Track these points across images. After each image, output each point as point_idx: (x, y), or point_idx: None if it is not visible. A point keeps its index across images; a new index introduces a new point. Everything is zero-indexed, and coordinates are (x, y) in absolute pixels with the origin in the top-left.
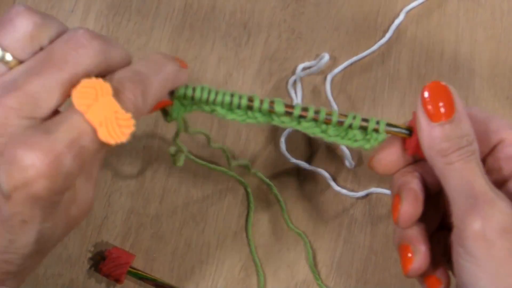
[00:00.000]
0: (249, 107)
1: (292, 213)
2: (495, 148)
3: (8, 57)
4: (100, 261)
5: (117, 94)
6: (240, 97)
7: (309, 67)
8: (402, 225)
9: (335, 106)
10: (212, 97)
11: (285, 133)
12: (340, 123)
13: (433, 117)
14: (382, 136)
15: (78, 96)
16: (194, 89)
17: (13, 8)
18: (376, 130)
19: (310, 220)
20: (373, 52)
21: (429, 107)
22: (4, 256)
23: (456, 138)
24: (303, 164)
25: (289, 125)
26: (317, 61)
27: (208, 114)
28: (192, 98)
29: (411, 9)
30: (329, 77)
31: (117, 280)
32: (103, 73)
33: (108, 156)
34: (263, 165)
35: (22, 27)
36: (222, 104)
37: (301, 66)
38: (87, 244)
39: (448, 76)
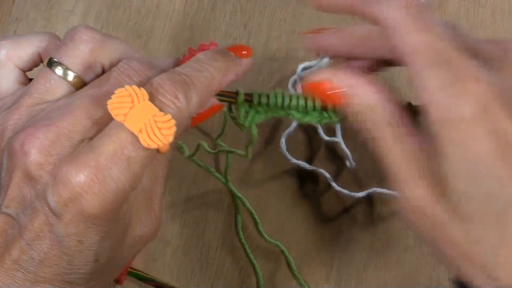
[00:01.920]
0: (324, 108)
1: (293, 214)
2: None
3: (70, 75)
4: None
5: (155, 97)
6: (315, 99)
7: (309, 67)
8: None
9: None
10: (286, 102)
11: (286, 133)
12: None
13: None
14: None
15: (114, 107)
16: (268, 96)
17: (75, 27)
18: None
19: (311, 221)
20: None
21: None
22: (65, 277)
23: None
24: (303, 164)
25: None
26: (318, 61)
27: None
28: (267, 104)
29: None
30: None
31: (117, 281)
32: None
33: None
34: (263, 165)
35: (82, 46)
36: (297, 108)
37: (301, 66)
38: None
39: None
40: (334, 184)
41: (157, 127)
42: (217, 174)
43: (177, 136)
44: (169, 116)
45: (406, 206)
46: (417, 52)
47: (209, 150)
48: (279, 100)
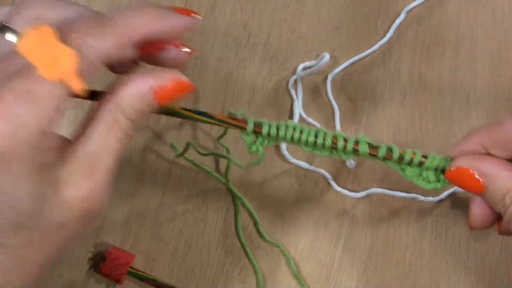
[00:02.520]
0: (334, 147)
1: (293, 214)
2: None
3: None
4: (100, 261)
5: (66, 35)
6: (325, 138)
7: (309, 67)
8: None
9: (335, 106)
10: (296, 136)
11: None
12: (420, 164)
13: None
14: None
15: (23, 45)
16: (278, 128)
17: None
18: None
19: (311, 221)
20: (374, 52)
21: None
22: None
23: None
24: (303, 164)
25: (372, 160)
26: (318, 61)
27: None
28: (277, 136)
29: (412, 9)
30: (329, 77)
31: (117, 281)
32: None
33: None
34: (263, 165)
35: (30, 10)
36: (306, 143)
37: (301, 66)
38: (87, 245)
39: (449, 77)
40: (334, 184)
41: (59, 60)
42: (216, 175)
43: (88, 78)
44: (71, 49)
45: None
46: None
47: (199, 150)
48: (289, 135)
